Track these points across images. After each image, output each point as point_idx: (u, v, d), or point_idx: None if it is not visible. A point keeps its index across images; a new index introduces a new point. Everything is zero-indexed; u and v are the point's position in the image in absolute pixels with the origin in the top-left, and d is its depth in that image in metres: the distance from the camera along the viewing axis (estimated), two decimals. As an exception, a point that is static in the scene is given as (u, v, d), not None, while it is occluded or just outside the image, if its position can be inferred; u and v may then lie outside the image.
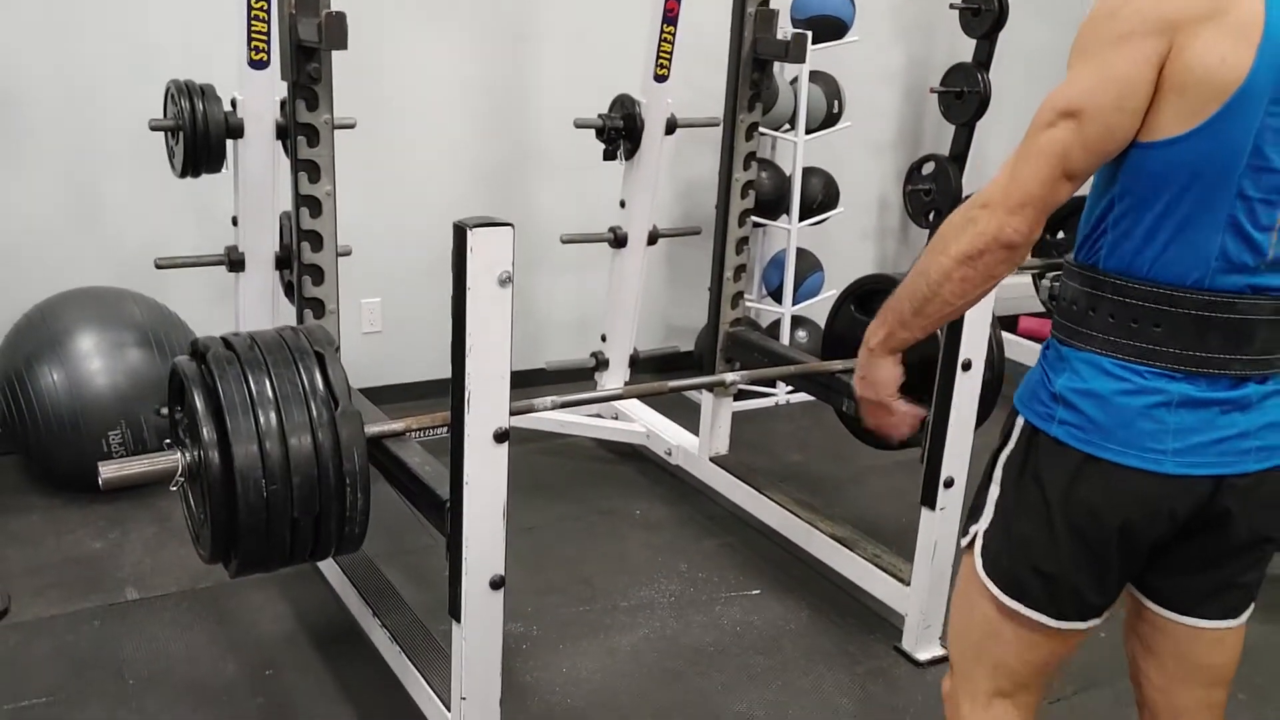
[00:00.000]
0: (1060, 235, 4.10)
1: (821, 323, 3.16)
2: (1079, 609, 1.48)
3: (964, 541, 1.59)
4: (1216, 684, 1.58)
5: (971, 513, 1.59)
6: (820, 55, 4.09)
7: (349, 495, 2.01)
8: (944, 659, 2.67)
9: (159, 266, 3.04)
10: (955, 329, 2.45)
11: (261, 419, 1.93)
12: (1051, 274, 1.50)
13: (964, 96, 4.77)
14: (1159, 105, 1.27)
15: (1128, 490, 1.39)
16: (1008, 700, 1.58)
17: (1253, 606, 1.56)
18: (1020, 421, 1.50)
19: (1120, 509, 1.40)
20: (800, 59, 3.16)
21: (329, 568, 2.77)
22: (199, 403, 1.95)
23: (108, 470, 1.97)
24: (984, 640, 1.57)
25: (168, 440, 2.14)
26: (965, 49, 4.78)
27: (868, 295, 2.94)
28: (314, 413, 1.98)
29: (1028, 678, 1.57)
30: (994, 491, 1.53)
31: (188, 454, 2.01)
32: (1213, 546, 1.45)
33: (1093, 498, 1.41)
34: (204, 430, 1.93)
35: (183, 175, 2.96)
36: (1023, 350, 4.65)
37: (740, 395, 2.75)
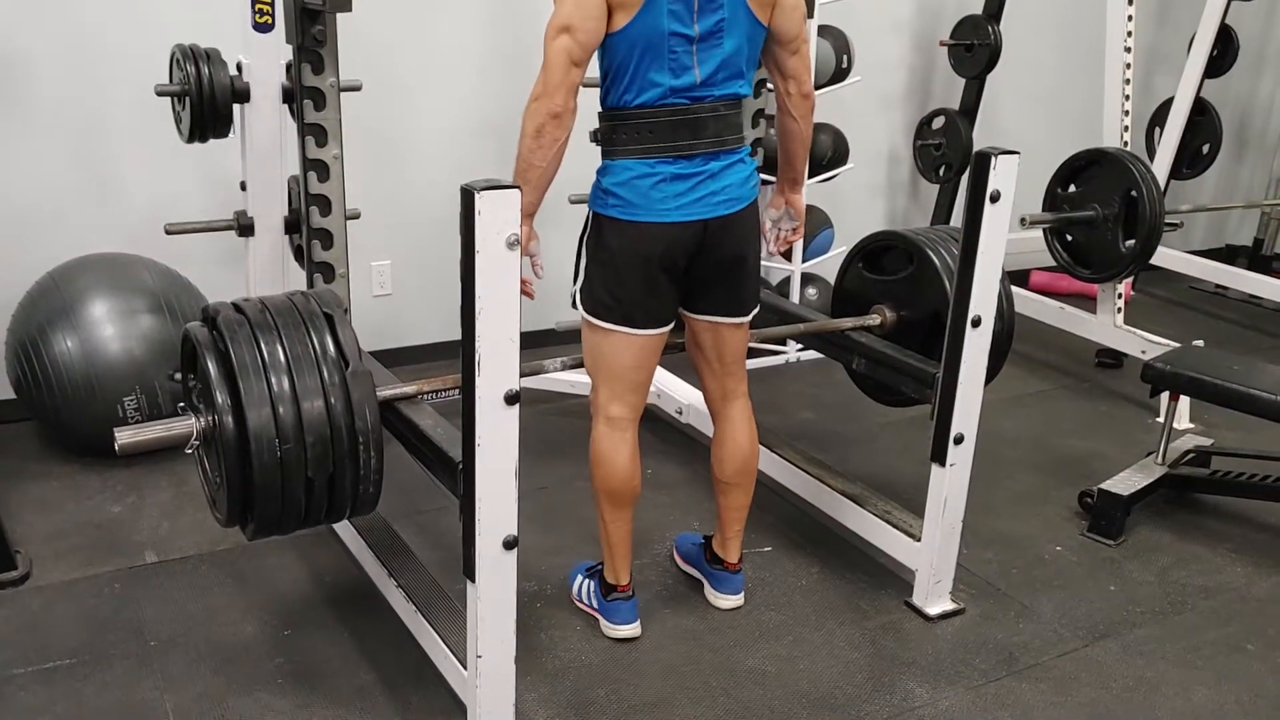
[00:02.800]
0: (1072, 188, 4.08)
1: (832, 280, 3.14)
2: (645, 320, 2.31)
3: (571, 304, 2.36)
4: (735, 362, 2.52)
5: (574, 281, 2.35)
6: (829, 9, 4.05)
7: (362, 454, 2.03)
8: (955, 613, 2.69)
9: (169, 232, 3.05)
10: (965, 285, 2.44)
11: (274, 382, 1.95)
12: (598, 128, 2.29)
13: (974, 49, 4.72)
14: (614, 13, 2.11)
15: (654, 235, 2.24)
16: (621, 401, 2.39)
17: (755, 311, 2.47)
18: (591, 212, 2.31)
19: (653, 246, 2.24)
20: (808, 13, 3.11)
21: (344, 529, 2.80)
22: (211, 368, 1.96)
23: (124, 436, 1.98)
24: (598, 359, 2.38)
25: (182, 405, 2.16)
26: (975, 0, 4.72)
27: (878, 252, 2.92)
28: (325, 374, 1.99)
29: (629, 380, 2.38)
30: (583, 261, 2.34)
31: (202, 418, 2.02)
32: (712, 265, 2.33)
33: (636, 246, 2.25)
34: (217, 395, 1.95)
35: (190, 140, 2.96)
36: (1034, 305, 4.62)
37: (750, 354, 2.75)
